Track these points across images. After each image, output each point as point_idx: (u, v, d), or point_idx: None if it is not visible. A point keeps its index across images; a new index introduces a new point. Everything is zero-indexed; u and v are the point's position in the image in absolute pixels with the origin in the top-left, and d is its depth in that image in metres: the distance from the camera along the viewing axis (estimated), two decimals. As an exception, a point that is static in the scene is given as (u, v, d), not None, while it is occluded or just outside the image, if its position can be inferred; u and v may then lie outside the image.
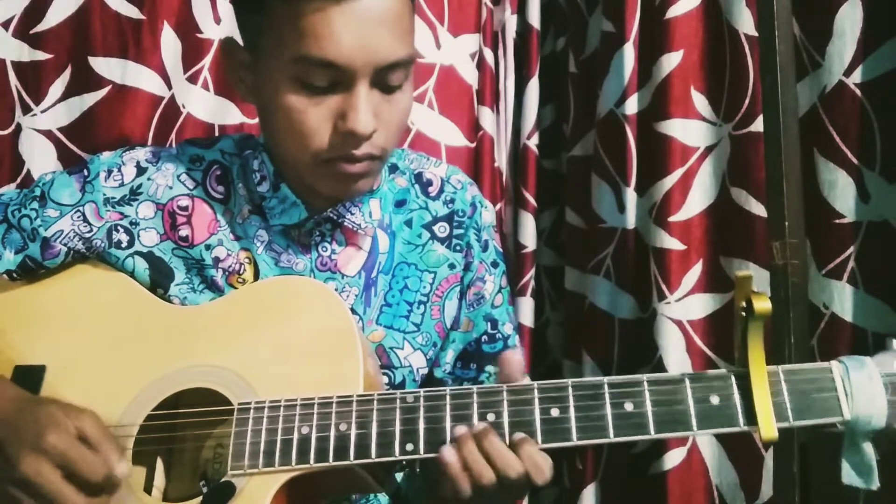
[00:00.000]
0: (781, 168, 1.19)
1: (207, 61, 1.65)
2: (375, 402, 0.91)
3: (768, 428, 0.84)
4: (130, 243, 1.07)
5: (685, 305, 1.49)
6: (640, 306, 1.57)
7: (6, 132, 1.60)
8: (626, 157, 1.58)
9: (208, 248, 1.07)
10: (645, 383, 0.88)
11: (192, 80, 1.64)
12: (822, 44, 1.32)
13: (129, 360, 1.00)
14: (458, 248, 1.16)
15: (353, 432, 0.90)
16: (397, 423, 0.90)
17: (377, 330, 1.10)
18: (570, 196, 1.72)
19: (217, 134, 1.65)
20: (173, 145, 1.49)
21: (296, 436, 0.90)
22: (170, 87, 1.63)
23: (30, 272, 1.07)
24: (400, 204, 1.15)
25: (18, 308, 1.07)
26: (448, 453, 0.87)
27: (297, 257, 1.08)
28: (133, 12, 1.62)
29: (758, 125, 1.39)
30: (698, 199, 1.51)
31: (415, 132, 1.72)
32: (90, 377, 0.99)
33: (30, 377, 1.00)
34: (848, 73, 1.29)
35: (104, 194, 1.07)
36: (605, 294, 1.61)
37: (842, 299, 1.29)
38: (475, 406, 0.89)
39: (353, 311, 1.08)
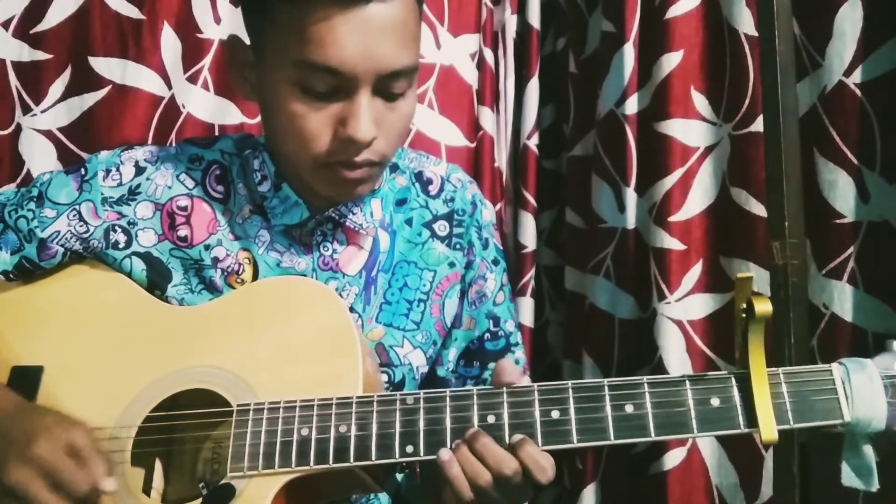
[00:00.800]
0: (781, 168, 1.19)
1: (207, 61, 1.65)
2: (375, 403, 0.91)
3: (769, 430, 0.84)
4: (128, 244, 1.06)
5: (685, 305, 1.49)
6: (640, 306, 1.57)
7: (6, 132, 1.60)
8: (626, 157, 1.58)
9: (207, 248, 1.07)
10: (645, 385, 0.88)
11: (192, 80, 1.64)
12: (822, 44, 1.32)
13: (127, 361, 0.99)
14: (458, 246, 1.16)
15: (353, 434, 0.89)
16: (397, 424, 0.90)
17: (377, 328, 1.10)
18: (570, 196, 1.72)
19: (217, 134, 1.65)
20: (173, 145, 1.49)
21: (295, 437, 0.90)
22: (170, 87, 1.63)
23: (26, 273, 1.07)
24: (400, 202, 1.15)
25: (15, 309, 1.06)
26: (445, 455, 0.87)
27: (298, 257, 1.08)
28: (133, 12, 1.62)
29: (758, 125, 1.39)
30: (698, 199, 1.50)
31: (415, 132, 1.72)
32: (88, 378, 0.99)
33: (27, 378, 1.00)
34: (848, 73, 1.29)
35: (102, 194, 1.07)
36: (605, 294, 1.61)
37: (842, 299, 1.29)
38: (475, 407, 0.89)
39: (352, 309, 1.08)
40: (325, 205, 1.08)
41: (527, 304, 1.72)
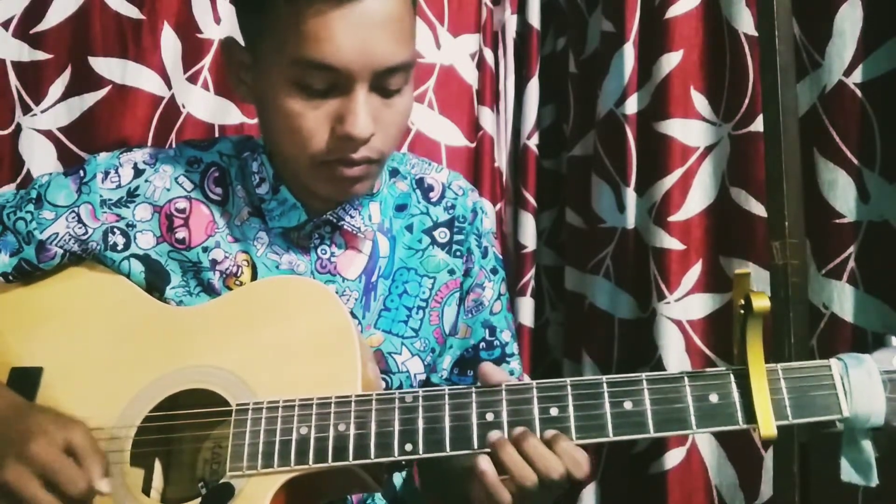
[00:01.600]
0: (781, 168, 1.19)
1: (207, 61, 1.65)
2: (374, 402, 0.91)
3: (767, 426, 0.83)
4: (126, 246, 1.06)
5: (685, 305, 1.49)
6: (639, 306, 1.57)
7: (6, 132, 1.60)
8: (625, 156, 1.58)
9: (206, 250, 1.07)
10: (644, 382, 0.88)
11: (192, 80, 1.64)
12: (822, 44, 1.32)
13: (126, 362, 0.99)
14: (458, 253, 1.15)
15: (352, 432, 0.89)
16: (396, 423, 0.89)
17: (375, 334, 1.10)
18: (570, 196, 1.72)
19: (217, 134, 1.65)
20: (173, 145, 1.49)
21: (294, 436, 0.90)
22: (170, 87, 1.63)
23: (26, 274, 1.07)
24: (401, 208, 1.15)
25: (15, 310, 1.06)
26: (484, 463, 0.86)
27: (297, 259, 1.08)
28: (133, 12, 1.62)
29: (758, 125, 1.39)
30: (698, 198, 1.50)
31: (415, 132, 1.72)
32: (88, 379, 0.99)
33: (27, 379, 1.00)
34: (848, 73, 1.29)
35: (101, 196, 1.07)
36: (604, 294, 1.61)
37: (842, 299, 1.29)
38: (474, 406, 0.89)
39: (352, 314, 1.07)
40: (324, 208, 1.08)
41: (527, 304, 1.72)
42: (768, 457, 1.36)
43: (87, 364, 1.01)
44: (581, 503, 1.57)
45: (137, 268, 1.06)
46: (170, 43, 1.63)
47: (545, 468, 0.84)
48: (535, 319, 1.74)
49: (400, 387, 1.10)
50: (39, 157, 1.59)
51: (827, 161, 1.31)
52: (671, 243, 1.50)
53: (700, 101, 1.52)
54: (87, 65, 1.61)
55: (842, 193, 1.30)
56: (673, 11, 1.52)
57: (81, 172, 1.08)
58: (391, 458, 0.89)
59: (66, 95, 1.61)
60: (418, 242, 1.14)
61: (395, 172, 1.16)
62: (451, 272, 1.15)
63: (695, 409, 0.86)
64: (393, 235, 1.13)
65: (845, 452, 0.85)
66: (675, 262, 1.50)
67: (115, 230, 1.06)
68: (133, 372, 0.98)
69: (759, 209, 1.41)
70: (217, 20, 1.65)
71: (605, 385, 0.88)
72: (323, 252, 1.09)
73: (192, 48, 1.65)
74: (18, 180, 1.58)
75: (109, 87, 1.60)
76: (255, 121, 1.62)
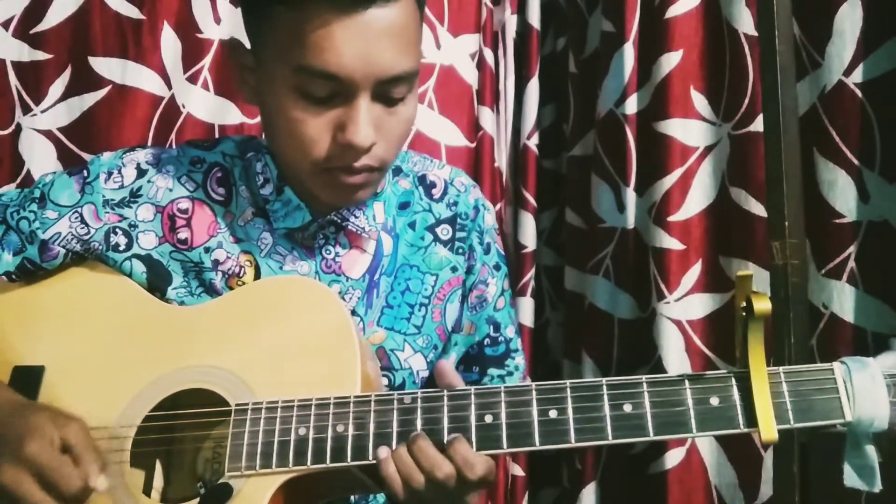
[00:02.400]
0: (781, 168, 1.19)
1: (207, 61, 1.65)
2: (373, 402, 0.91)
3: (768, 430, 0.83)
4: (128, 246, 1.06)
5: (684, 305, 1.49)
6: (639, 306, 1.57)
7: (6, 132, 1.60)
8: (625, 156, 1.58)
9: (208, 250, 1.07)
10: (644, 384, 0.87)
11: (192, 80, 1.64)
12: (822, 44, 1.32)
13: (127, 361, 0.99)
14: (460, 250, 1.15)
15: (351, 433, 0.89)
16: (395, 424, 0.89)
17: (378, 331, 1.10)
18: (569, 196, 1.72)
19: (217, 134, 1.65)
20: (173, 145, 1.49)
21: (293, 437, 0.90)
22: (170, 87, 1.63)
23: (28, 274, 1.07)
24: (404, 206, 1.15)
25: (17, 309, 1.06)
26: (383, 453, 0.88)
27: (301, 261, 1.08)
28: (133, 12, 1.62)
29: (757, 125, 1.39)
30: (698, 198, 1.50)
31: (415, 132, 1.72)
32: (89, 378, 0.99)
33: (29, 378, 1.00)
34: (848, 72, 1.29)
35: (104, 196, 1.07)
36: (604, 294, 1.61)
37: (841, 299, 1.29)
38: (472, 407, 0.89)
39: (354, 313, 1.08)
40: (328, 208, 1.07)
41: (527, 304, 1.72)
42: (768, 457, 1.36)
43: (88, 363, 1.01)
44: (581, 503, 1.57)
45: (139, 268, 1.06)
46: (170, 43, 1.63)
47: (430, 468, 0.86)
48: (535, 319, 1.74)
49: (402, 383, 1.10)
50: (39, 158, 1.59)
51: (827, 161, 1.31)
52: (671, 243, 1.50)
53: (700, 101, 1.52)
54: (87, 65, 1.61)
55: (842, 193, 1.30)
56: (673, 11, 1.52)
57: (85, 172, 1.08)
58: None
59: (66, 95, 1.61)
60: (421, 239, 1.14)
61: (397, 170, 1.16)
62: (454, 269, 1.15)
63: (695, 412, 0.85)
64: (396, 233, 1.13)
65: (848, 457, 0.84)
66: (675, 262, 1.50)
67: (118, 230, 1.06)
68: (134, 371, 0.98)
69: (758, 209, 1.41)
70: (217, 20, 1.65)
71: (604, 387, 0.88)
72: (327, 252, 1.09)
73: (192, 48, 1.65)
74: (18, 180, 1.58)
75: (109, 87, 1.60)
76: (256, 121, 1.64)
